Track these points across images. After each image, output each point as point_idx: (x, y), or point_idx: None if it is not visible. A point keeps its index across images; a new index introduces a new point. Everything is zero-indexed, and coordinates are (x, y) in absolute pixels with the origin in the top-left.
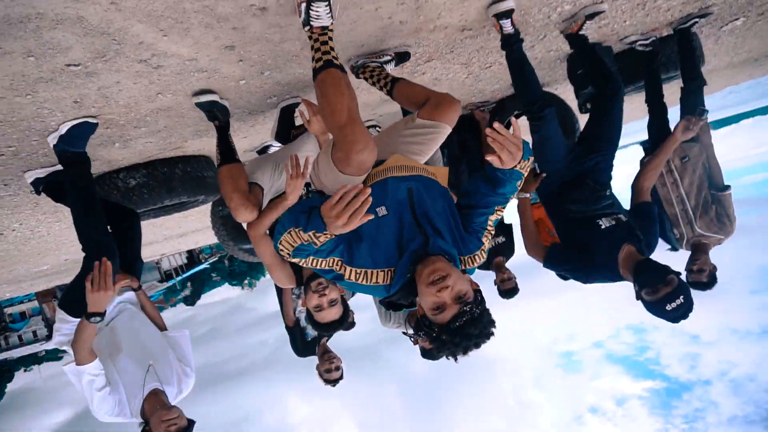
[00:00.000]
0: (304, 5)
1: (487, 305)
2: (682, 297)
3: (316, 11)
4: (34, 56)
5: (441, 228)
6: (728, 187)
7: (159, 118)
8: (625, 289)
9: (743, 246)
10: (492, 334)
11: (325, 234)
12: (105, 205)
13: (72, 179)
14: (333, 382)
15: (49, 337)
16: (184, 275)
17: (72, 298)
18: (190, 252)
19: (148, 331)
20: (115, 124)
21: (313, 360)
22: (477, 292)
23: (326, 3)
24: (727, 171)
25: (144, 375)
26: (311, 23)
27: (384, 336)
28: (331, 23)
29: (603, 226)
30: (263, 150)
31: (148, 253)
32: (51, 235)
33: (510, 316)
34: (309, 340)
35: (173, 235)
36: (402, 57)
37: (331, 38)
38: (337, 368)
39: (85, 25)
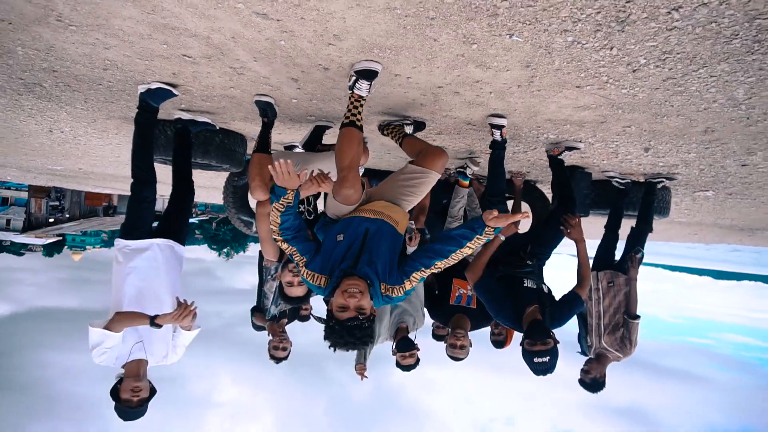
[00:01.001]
0: (354, 78)
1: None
2: (548, 357)
3: (359, 85)
4: (167, 45)
5: (376, 260)
6: (638, 317)
7: (222, 101)
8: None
9: (698, 400)
10: (366, 345)
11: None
12: (177, 176)
13: (140, 120)
14: (277, 360)
15: (23, 230)
16: None
17: (129, 227)
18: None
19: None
20: (190, 93)
21: (256, 350)
22: (372, 315)
23: (369, 83)
24: (712, 322)
25: (136, 343)
26: (353, 90)
27: (331, 354)
28: (366, 95)
29: (525, 284)
30: (289, 147)
31: None
32: (85, 145)
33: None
34: (269, 318)
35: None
36: (419, 125)
37: (362, 105)
38: (285, 349)
39: (209, 41)
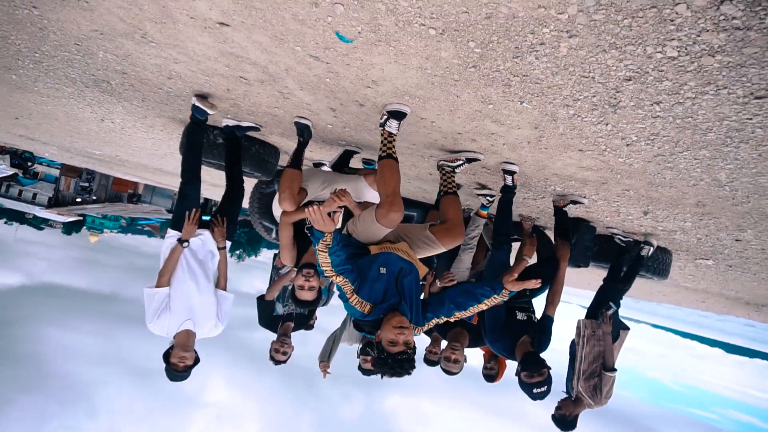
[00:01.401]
0: (385, 116)
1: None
2: (546, 387)
3: (390, 123)
4: (228, 67)
5: (409, 301)
6: (614, 370)
7: (265, 117)
8: None
9: None
10: (410, 374)
11: (324, 239)
12: (230, 173)
13: (190, 130)
14: (276, 362)
15: (48, 206)
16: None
17: (175, 220)
18: (206, 200)
19: (209, 285)
20: (238, 107)
21: (253, 356)
22: (414, 347)
23: (398, 122)
24: (718, 395)
25: (187, 316)
26: (384, 127)
27: (332, 371)
28: (396, 133)
29: (518, 317)
30: (318, 164)
31: (170, 181)
32: (129, 137)
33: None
34: (274, 315)
35: (205, 180)
36: (471, 161)
37: (394, 140)
38: (285, 353)
39: (265, 69)
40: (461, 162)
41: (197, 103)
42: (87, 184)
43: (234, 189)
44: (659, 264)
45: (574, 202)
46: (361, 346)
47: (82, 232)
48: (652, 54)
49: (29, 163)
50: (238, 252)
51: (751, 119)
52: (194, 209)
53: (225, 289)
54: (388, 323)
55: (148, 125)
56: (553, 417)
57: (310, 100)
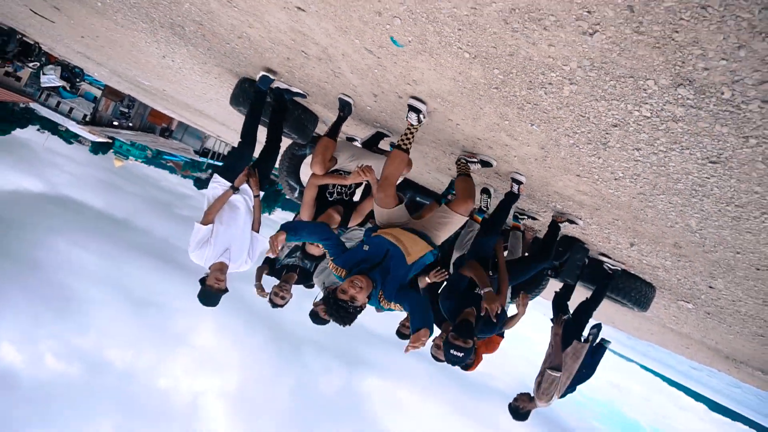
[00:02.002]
0: (408, 110)
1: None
2: (462, 354)
3: (410, 115)
4: (294, 41)
5: (388, 275)
6: (558, 369)
7: (314, 88)
8: None
9: None
10: (344, 324)
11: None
12: (271, 131)
13: (254, 96)
14: (274, 305)
15: (82, 123)
16: (213, 162)
17: (227, 170)
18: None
19: (246, 227)
20: (292, 75)
21: (250, 311)
22: (361, 308)
23: (416, 115)
24: None
25: (225, 251)
26: (407, 119)
27: (316, 339)
28: (416, 125)
29: (476, 291)
30: (350, 139)
31: (207, 124)
32: (183, 77)
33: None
34: (277, 267)
35: (235, 129)
36: (485, 164)
37: (412, 132)
38: (284, 297)
39: (325, 50)
40: (476, 161)
41: (265, 73)
42: (126, 110)
43: (272, 146)
44: (640, 296)
45: (571, 221)
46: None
47: (108, 155)
48: (632, 110)
49: (77, 79)
50: None
51: (709, 178)
52: (252, 167)
53: (258, 231)
54: (349, 278)
55: (204, 71)
56: (509, 405)
57: (357, 83)
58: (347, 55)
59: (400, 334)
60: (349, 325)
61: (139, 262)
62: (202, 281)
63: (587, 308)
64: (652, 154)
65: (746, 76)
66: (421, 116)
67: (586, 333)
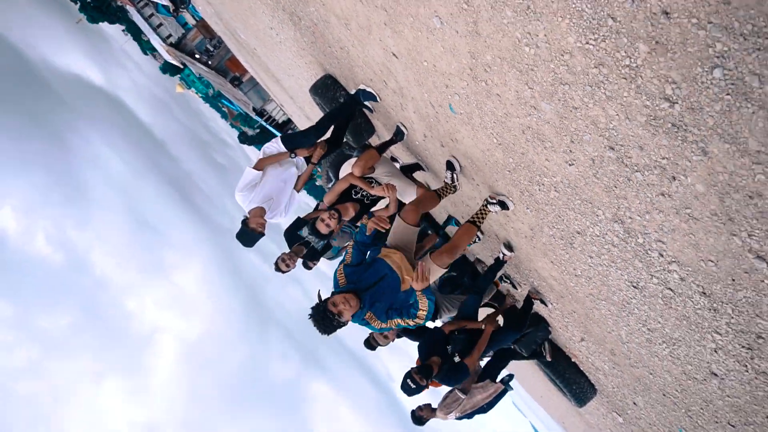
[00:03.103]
0: (445, 167)
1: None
2: (415, 387)
3: (446, 174)
4: (381, 71)
5: (378, 298)
6: (465, 392)
7: (381, 109)
8: None
9: None
10: (323, 333)
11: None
12: (337, 128)
13: (348, 102)
14: (277, 269)
15: (165, 41)
16: (265, 124)
17: (292, 140)
18: (287, 121)
19: (289, 185)
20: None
21: (235, 272)
22: (344, 323)
23: (451, 173)
24: None
25: (268, 199)
26: (444, 178)
27: (286, 324)
28: (452, 183)
29: (447, 349)
30: (393, 159)
31: (276, 91)
32: (278, 48)
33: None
34: (298, 233)
35: (300, 104)
36: (503, 205)
37: (449, 190)
38: (288, 266)
39: (401, 89)
40: (496, 201)
41: (366, 89)
42: (211, 49)
43: (335, 139)
44: (581, 391)
45: (542, 302)
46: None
47: (174, 79)
48: (589, 226)
49: (182, 5)
50: None
51: (632, 299)
52: (318, 145)
53: (298, 191)
54: (341, 294)
55: (299, 54)
56: (412, 411)
57: (415, 120)
58: (415, 99)
59: (369, 344)
60: (328, 335)
61: (157, 185)
62: (245, 222)
63: (510, 357)
64: (599, 264)
65: (657, 224)
66: (455, 175)
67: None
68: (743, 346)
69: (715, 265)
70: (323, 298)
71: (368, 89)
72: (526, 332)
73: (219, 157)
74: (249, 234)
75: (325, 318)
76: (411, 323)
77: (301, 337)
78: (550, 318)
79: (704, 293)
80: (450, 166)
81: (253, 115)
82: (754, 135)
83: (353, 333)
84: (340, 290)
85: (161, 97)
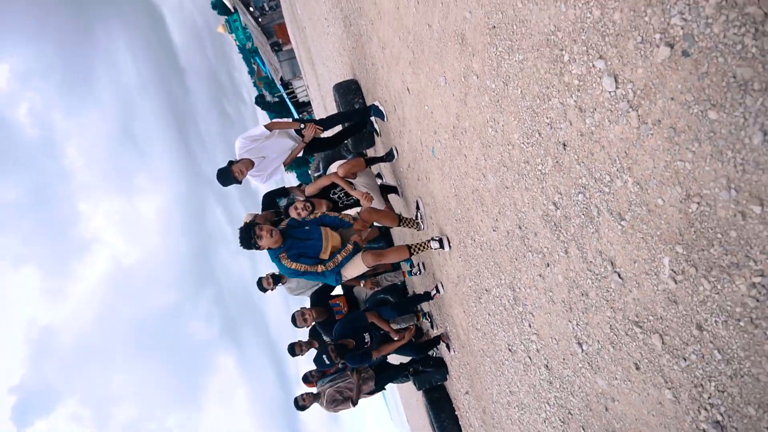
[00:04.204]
0: (416, 211)
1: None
2: (328, 362)
3: (433, 244)
4: (392, 97)
5: (297, 247)
6: (355, 403)
7: (384, 129)
8: None
9: None
10: (241, 245)
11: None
12: (343, 132)
13: (361, 112)
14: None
15: None
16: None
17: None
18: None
19: (282, 157)
20: (386, 107)
21: (198, 223)
22: (257, 246)
23: (439, 246)
24: None
25: (260, 158)
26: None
27: (226, 286)
28: (418, 222)
29: (365, 338)
30: (378, 175)
31: (308, 72)
32: (325, 38)
33: None
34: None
35: (324, 93)
36: (441, 243)
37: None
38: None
39: (413, 146)
40: (438, 239)
41: (380, 107)
42: (266, 9)
43: (339, 137)
44: None
45: (448, 347)
46: None
47: (220, 19)
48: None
49: None
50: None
51: (504, 363)
52: (322, 126)
53: (286, 166)
54: (272, 228)
55: (339, 52)
56: (295, 398)
57: (407, 149)
58: (411, 132)
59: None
60: (243, 248)
61: (159, 107)
62: (231, 164)
63: (401, 379)
64: (492, 323)
65: (532, 299)
66: (420, 214)
67: None
68: (560, 420)
69: (556, 344)
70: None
71: (381, 108)
72: (427, 370)
73: (229, 107)
74: (228, 175)
75: (248, 236)
76: (318, 270)
77: (231, 306)
78: (450, 365)
79: (547, 366)
80: (417, 206)
81: (278, 83)
82: (591, 249)
83: (280, 325)
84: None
85: (200, 29)
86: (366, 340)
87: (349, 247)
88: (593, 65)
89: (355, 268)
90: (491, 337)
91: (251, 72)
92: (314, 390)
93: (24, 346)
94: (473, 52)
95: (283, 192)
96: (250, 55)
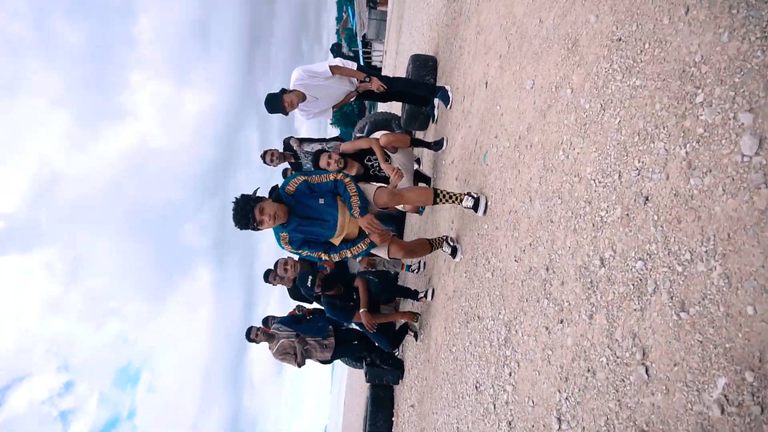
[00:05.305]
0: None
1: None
2: (309, 291)
3: (444, 249)
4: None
5: (303, 230)
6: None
7: (440, 120)
8: None
9: None
10: (235, 224)
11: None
12: (406, 98)
13: (431, 88)
14: (263, 160)
15: None
16: (361, 56)
17: (373, 72)
18: (379, 69)
19: (334, 102)
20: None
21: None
22: (254, 224)
23: (451, 251)
24: None
25: (313, 98)
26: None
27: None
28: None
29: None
30: (417, 160)
31: (392, 40)
32: (418, 11)
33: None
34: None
35: (399, 63)
36: (454, 252)
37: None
38: (272, 161)
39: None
40: (452, 245)
41: (449, 92)
42: None
43: (390, 96)
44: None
45: (415, 335)
46: None
47: None
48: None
49: None
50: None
51: (464, 397)
52: (382, 83)
53: (333, 111)
54: (279, 205)
55: (430, 26)
56: (249, 327)
57: (457, 144)
58: (471, 128)
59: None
60: (237, 227)
61: (237, 16)
62: (283, 91)
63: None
64: (470, 353)
65: (526, 348)
66: (456, 257)
67: None
68: None
69: (531, 407)
70: (257, 195)
71: (450, 93)
72: (383, 367)
73: (305, 44)
74: (278, 103)
75: (244, 214)
76: (322, 256)
77: (229, 227)
78: (407, 372)
79: (510, 424)
80: (454, 249)
81: (359, 39)
82: (624, 327)
83: (266, 265)
84: (280, 200)
85: None
86: (355, 297)
87: (362, 246)
88: (735, 117)
89: (381, 252)
90: (462, 365)
91: (339, 19)
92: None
93: (30, 181)
94: (579, 63)
95: (316, 142)
96: (344, 1)
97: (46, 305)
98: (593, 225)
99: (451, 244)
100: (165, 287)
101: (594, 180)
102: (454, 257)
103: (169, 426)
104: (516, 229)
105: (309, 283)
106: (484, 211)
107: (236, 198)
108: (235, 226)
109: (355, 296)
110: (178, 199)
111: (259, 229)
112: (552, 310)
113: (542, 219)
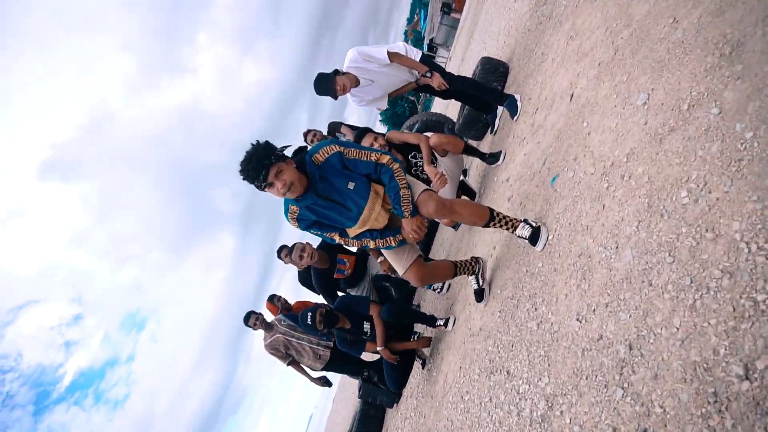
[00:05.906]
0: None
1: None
2: (310, 324)
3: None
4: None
5: (319, 211)
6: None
7: (501, 132)
8: None
9: None
10: (244, 177)
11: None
12: (465, 100)
13: (498, 92)
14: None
15: None
16: (428, 55)
17: (435, 64)
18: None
19: (389, 90)
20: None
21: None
22: (267, 189)
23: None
24: None
25: (368, 81)
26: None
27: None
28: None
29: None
30: (464, 171)
31: (461, 45)
32: (495, 16)
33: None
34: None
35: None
36: (479, 294)
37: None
38: (309, 140)
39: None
40: (481, 283)
41: (518, 101)
42: None
43: (450, 95)
44: None
45: (423, 363)
46: None
47: None
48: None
49: None
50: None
51: None
52: (444, 83)
53: (390, 98)
54: (299, 173)
55: (509, 31)
56: (250, 313)
57: (518, 162)
58: (539, 145)
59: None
60: (247, 180)
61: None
62: (336, 72)
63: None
64: (487, 413)
65: None
66: (482, 301)
67: None
68: None
69: None
70: (282, 153)
71: (519, 103)
72: (380, 386)
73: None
74: (328, 85)
75: (258, 167)
76: (336, 238)
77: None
78: (405, 399)
79: None
80: (479, 282)
81: (425, 42)
82: None
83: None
84: (302, 167)
85: None
86: (365, 329)
87: (392, 241)
88: None
89: (394, 259)
90: (474, 423)
91: (409, 20)
92: (270, 318)
93: (84, 117)
94: (741, 75)
95: (362, 130)
96: (419, 4)
97: (73, 237)
98: (734, 308)
99: (480, 284)
100: (187, 245)
101: (744, 241)
102: (478, 301)
103: (162, 378)
104: (586, 279)
105: (309, 320)
106: (543, 246)
107: (257, 143)
108: (240, 172)
109: (366, 328)
110: (216, 163)
111: (263, 190)
112: (629, 410)
113: (633, 277)
